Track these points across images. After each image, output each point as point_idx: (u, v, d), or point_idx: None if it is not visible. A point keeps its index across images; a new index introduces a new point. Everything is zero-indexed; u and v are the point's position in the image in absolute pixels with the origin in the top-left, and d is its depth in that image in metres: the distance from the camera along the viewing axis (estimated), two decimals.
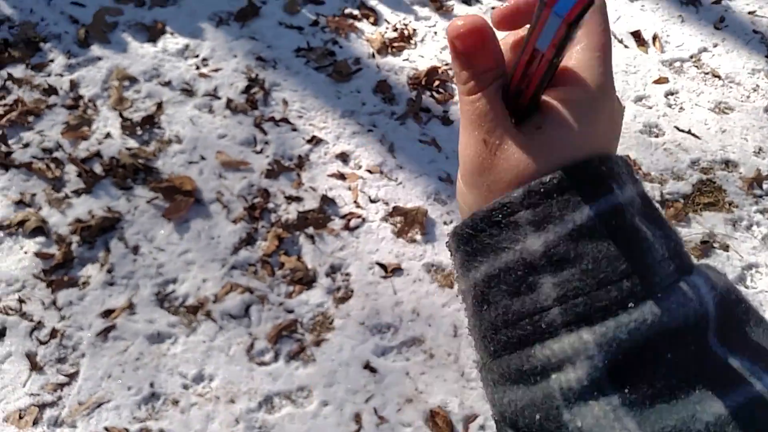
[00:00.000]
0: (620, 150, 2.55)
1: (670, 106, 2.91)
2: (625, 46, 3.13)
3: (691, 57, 3.12)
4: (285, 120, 2.65)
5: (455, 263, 0.42)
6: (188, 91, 2.71)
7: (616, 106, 0.42)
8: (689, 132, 2.80)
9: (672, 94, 2.96)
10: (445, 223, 2.40)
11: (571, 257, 0.36)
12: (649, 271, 0.35)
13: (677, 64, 3.09)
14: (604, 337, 0.34)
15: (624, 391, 0.33)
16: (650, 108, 2.88)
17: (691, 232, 2.48)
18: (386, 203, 2.45)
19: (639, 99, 2.91)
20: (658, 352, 0.34)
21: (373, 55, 2.96)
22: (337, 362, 2.05)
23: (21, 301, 2.08)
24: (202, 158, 2.49)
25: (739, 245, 2.46)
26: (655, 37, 3.17)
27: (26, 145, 2.44)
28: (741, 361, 0.34)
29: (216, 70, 2.79)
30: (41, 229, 2.22)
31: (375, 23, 3.10)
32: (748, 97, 2.98)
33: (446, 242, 0.45)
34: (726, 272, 2.26)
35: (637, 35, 3.17)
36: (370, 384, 2.02)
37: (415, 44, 3.04)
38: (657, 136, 2.79)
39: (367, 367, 2.05)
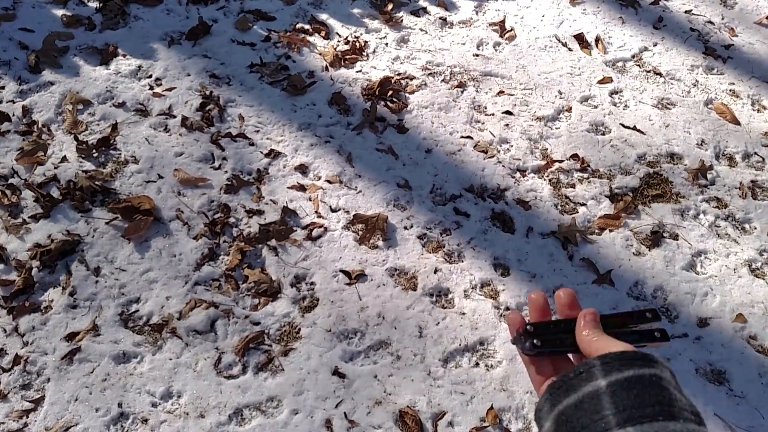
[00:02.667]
0: (569, 149, 2.65)
1: (615, 104, 3.03)
2: (569, 49, 3.25)
3: (633, 56, 3.25)
4: (242, 135, 2.68)
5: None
6: (143, 111, 2.72)
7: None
8: (634, 128, 2.91)
9: (616, 92, 3.07)
10: (405, 227, 2.46)
11: (626, 391, 0.58)
12: (675, 409, 0.55)
13: (620, 63, 3.21)
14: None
15: None
16: (596, 107, 2.99)
17: (641, 224, 2.58)
18: (347, 212, 2.49)
19: (585, 99, 3.01)
20: None
21: (327, 68, 3.01)
22: (306, 370, 2.08)
23: None
24: (160, 177, 2.50)
25: (687, 234, 2.57)
26: (597, 39, 3.30)
27: None
28: None
29: (170, 89, 2.81)
30: (0, 256, 2.20)
31: (326, 37, 3.15)
32: (689, 92, 3.12)
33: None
34: (676, 260, 2.36)
35: (580, 38, 3.29)
36: (339, 389, 2.05)
37: (367, 56, 3.10)
38: (604, 134, 2.90)
39: (336, 373, 2.08)
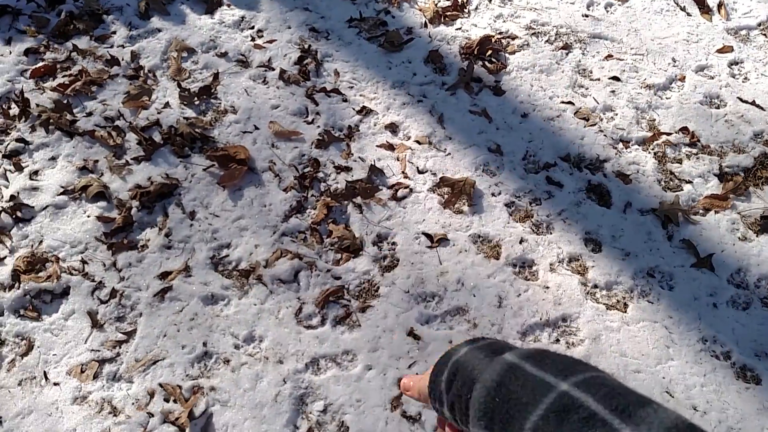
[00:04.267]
0: (678, 121, 2.47)
1: (733, 76, 2.79)
2: (688, 14, 3.01)
3: (759, 25, 2.97)
4: (336, 91, 2.68)
5: None
6: (243, 62, 2.77)
7: None
8: (753, 103, 2.67)
9: (736, 63, 2.83)
10: (493, 194, 2.40)
11: None
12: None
13: (743, 32, 2.95)
14: None
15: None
16: (712, 78, 2.77)
17: (750, 207, 2.39)
18: (434, 174, 2.45)
19: (700, 69, 2.79)
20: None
21: (426, 25, 2.94)
22: (382, 328, 2.09)
23: (83, 262, 2.20)
24: (256, 128, 2.55)
25: None
26: (720, 4, 3.03)
27: (89, 114, 2.55)
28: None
29: (270, 42, 2.84)
30: (103, 194, 2.33)
31: None
32: None
33: None
34: None
35: (700, 2, 3.03)
36: (413, 350, 2.05)
37: (469, 13, 3.00)
38: (718, 107, 2.68)
39: (411, 334, 2.09)
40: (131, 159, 2.44)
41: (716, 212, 2.37)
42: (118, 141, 2.48)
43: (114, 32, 2.83)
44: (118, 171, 2.40)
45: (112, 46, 2.78)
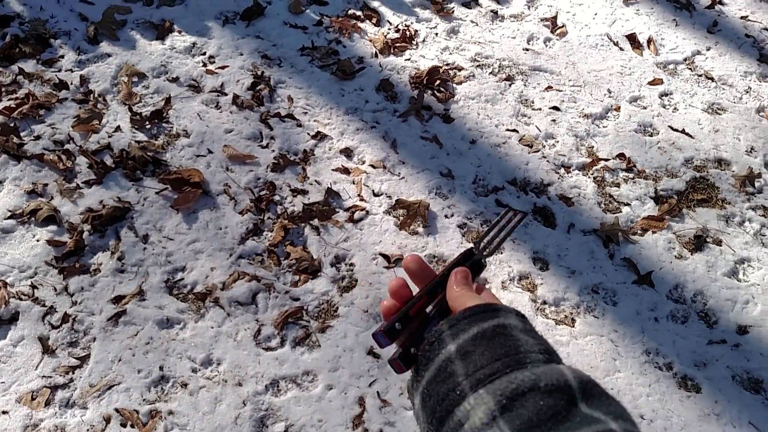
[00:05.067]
0: (615, 148, 2.63)
1: (664, 106, 2.99)
2: (621, 49, 3.22)
3: (685, 60, 3.21)
4: (290, 116, 2.72)
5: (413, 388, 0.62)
6: (195, 87, 2.78)
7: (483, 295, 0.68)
8: (683, 131, 2.88)
9: (666, 95, 3.04)
10: (446, 216, 2.47)
11: (474, 350, 0.57)
12: (522, 355, 0.56)
13: (671, 66, 3.18)
14: (496, 391, 0.52)
15: (515, 423, 0.49)
16: (645, 108, 2.96)
17: (685, 227, 2.55)
18: (389, 197, 2.51)
19: (634, 99, 2.99)
20: (535, 400, 0.50)
21: (376, 55, 3.03)
22: (342, 348, 2.11)
23: (33, 287, 2.13)
24: (210, 152, 2.55)
25: (731, 240, 2.54)
26: (650, 40, 3.26)
27: (38, 137, 2.50)
28: (601, 413, 0.50)
29: (223, 68, 2.86)
30: (53, 218, 2.28)
31: (377, 24, 3.17)
32: (741, 98, 3.07)
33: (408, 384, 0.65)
34: (718, 265, 2.34)
35: (632, 38, 3.25)
36: (373, 369, 2.08)
37: (417, 45, 3.12)
38: (651, 135, 2.87)
39: (371, 353, 2.11)
40: (82, 182, 2.40)
41: (653, 232, 2.52)
42: (68, 164, 2.43)
43: (62, 56, 2.79)
44: (69, 194, 2.35)
45: (60, 70, 2.74)
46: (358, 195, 2.51)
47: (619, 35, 3.28)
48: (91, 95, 2.67)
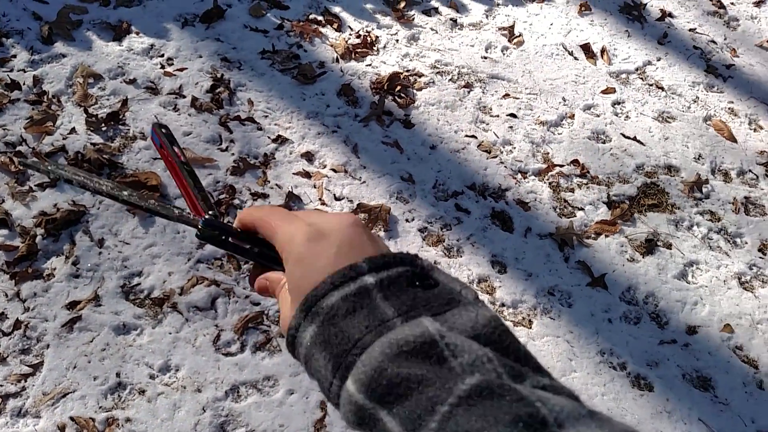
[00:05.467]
0: (570, 155, 2.70)
1: (616, 114, 3.09)
2: (575, 58, 3.31)
3: (637, 69, 3.32)
4: (250, 119, 2.71)
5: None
6: (153, 90, 2.74)
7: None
8: (634, 138, 2.97)
9: (619, 103, 3.14)
10: (407, 220, 2.50)
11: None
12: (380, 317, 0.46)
13: (624, 75, 3.28)
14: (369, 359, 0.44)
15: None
16: (598, 116, 3.05)
17: (636, 231, 2.64)
18: (350, 201, 2.52)
19: (588, 108, 3.07)
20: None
21: (337, 60, 3.04)
22: None
23: None
24: None
25: (681, 244, 2.63)
26: (603, 50, 3.36)
27: None
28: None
29: (181, 70, 2.83)
30: (4, 222, 2.21)
31: (339, 29, 3.19)
32: (689, 107, 3.19)
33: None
34: (669, 268, 2.42)
35: (586, 48, 3.35)
36: None
37: (378, 51, 3.14)
38: (604, 142, 2.96)
39: None
40: (35, 185, 2.34)
41: (606, 236, 2.60)
42: (20, 167, 2.37)
43: (14, 56, 2.71)
44: (21, 198, 2.29)
45: (12, 70, 2.66)
46: (320, 199, 2.51)
47: (573, 45, 3.37)
48: (45, 96, 2.61)
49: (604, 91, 3.16)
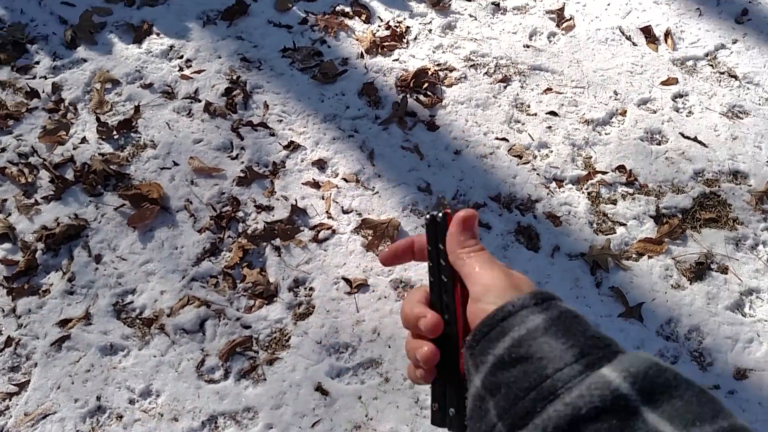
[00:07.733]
0: (616, 159, 2.38)
1: (677, 110, 2.69)
2: (633, 44, 2.92)
3: (706, 55, 2.88)
4: (263, 124, 2.58)
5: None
6: (169, 94, 2.67)
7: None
8: (695, 139, 2.58)
9: (681, 96, 2.74)
10: None
11: (498, 382, 0.49)
12: (550, 380, 0.46)
13: (690, 63, 2.86)
14: None
15: None
16: (654, 112, 2.67)
17: (686, 252, 2.29)
18: (359, 214, 2.35)
19: (643, 102, 2.70)
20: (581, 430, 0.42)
21: (362, 55, 2.85)
22: (288, 383, 1.98)
23: None
24: (175, 164, 2.45)
25: (740, 267, 2.26)
26: (667, 33, 2.94)
27: (3, 150, 2.45)
28: (670, 422, 0.41)
29: (199, 72, 2.74)
30: (7, 236, 2.23)
31: (367, 21, 2.98)
32: (767, 99, 2.73)
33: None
34: (721, 297, 2.08)
35: (647, 31, 2.94)
36: (319, 407, 1.94)
37: (408, 43, 2.91)
38: (659, 144, 2.59)
39: (319, 389, 1.98)
40: (41, 198, 2.34)
41: (649, 257, 2.27)
42: (29, 179, 2.38)
43: (37, 62, 2.73)
44: (26, 211, 2.30)
45: (34, 78, 2.68)
46: (326, 212, 2.36)
47: (633, 28, 2.97)
48: (62, 104, 2.61)
49: (665, 82, 2.76)
